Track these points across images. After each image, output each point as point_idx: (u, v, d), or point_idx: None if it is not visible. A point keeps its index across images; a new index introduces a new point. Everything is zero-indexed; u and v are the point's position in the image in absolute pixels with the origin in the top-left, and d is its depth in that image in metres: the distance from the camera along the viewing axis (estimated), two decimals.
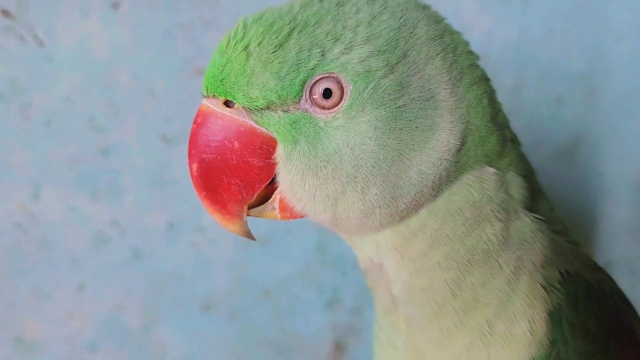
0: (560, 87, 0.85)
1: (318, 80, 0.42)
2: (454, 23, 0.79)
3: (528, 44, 0.83)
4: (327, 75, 0.41)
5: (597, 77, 0.85)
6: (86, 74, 0.73)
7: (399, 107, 0.42)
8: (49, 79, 0.72)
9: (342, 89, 0.42)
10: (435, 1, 0.77)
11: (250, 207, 0.46)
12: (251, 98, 0.42)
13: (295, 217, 0.45)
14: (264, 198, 0.45)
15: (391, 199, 0.43)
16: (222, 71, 0.42)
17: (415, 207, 0.44)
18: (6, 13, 0.70)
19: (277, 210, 0.45)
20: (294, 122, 0.42)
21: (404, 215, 0.44)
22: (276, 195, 0.45)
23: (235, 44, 0.42)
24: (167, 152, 0.77)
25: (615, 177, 0.88)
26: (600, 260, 0.91)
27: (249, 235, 0.46)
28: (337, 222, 0.45)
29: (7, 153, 0.73)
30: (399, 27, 0.43)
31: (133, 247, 0.79)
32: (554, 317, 0.45)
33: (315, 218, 0.45)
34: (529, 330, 0.45)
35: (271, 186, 0.45)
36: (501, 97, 0.84)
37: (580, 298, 0.46)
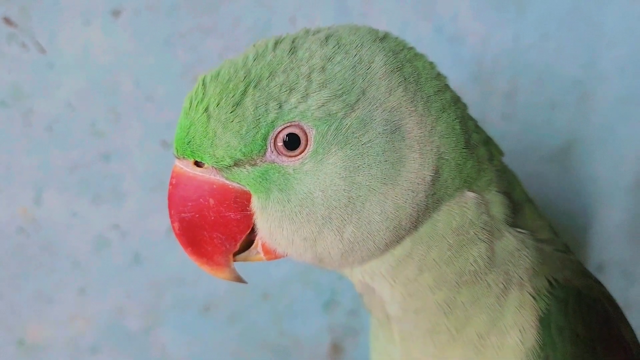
0: (554, 93, 0.86)
1: (281, 130, 0.42)
2: (449, 30, 0.82)
3: (522, 50, 0.84)
4: (288, 124, 0.42)
5: (590, 83, 0.86)
6: (87, 80, 0.74)
7: (365, 143, 0.42)
8: (50, 85, 0.73)
9: (306, 134, 0.42)
10: (431, 9, 0.80)
11: (236, 253, 0.47)
12: (217, 158, 0.42)
13: (280, 257, 0.47)
14: (248, 243, 0.47)
15: (368, 235, 0.43)
16: (187, 134, 0.43)
17: (396, 238, 0.45)
18: (8, 21, 0.71)
19: (262, 254, 0.46)
20: (263, 174, 0.43)
21: (386, 248, 0.45)
22: (258, 241, 0.46)
23: (196, 105, 0.43)
24: (167, 157, 0.76)
25: (608, 181, 0.90)
26: (594, 262, 0.93)
27: (239, 279, 0.48)
28: (320, 261, 0.46)
29: (9, 158, 0.74)
30: (354, 66, 0.43)
31: (134, 250, 0.80)
32: (544, 323, 0.46)
33: (298, 258, 0.46)
34: (520, 340, 0.46)
35: (253, 232, 0.46)
36: (496, 102, 0.86)
37: (570, 303, 0.47)
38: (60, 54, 0.73)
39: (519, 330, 0.46)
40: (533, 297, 0.46)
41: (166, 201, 0.78)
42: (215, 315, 0.84)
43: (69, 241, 0.78)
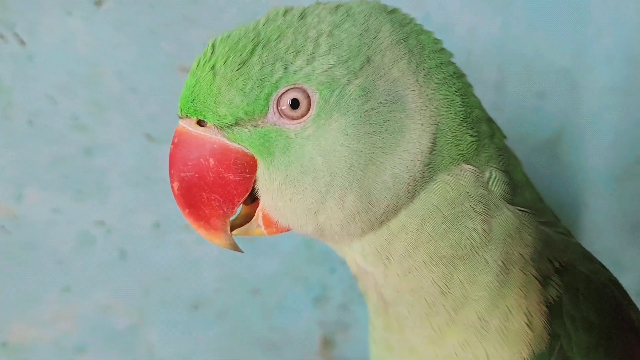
0: (542, 82, 0.86)
1: (284, 92, 0.42)
2: (438, 20, 0.81)
3: (510, 40, 0.84)
4: (292, 86, 0.42)
5: (578, 72, 0.86)
6: (69, 72, 0.72)
7: (366, 111, 0.42)
8: (30, 78, 0.71)
9: (308, 98, 0.42)
10: None
11: (236, 226, 0.47)
12: (219, 116, 0.43)
13: (281, 232, 0.46)
14: (248, 216, 0.46)
15: (369, 204, 0.44)
16: (192, 92, 0.43)
17: (393, 210, 0.45)
18: None
19: (263, 227, 0.46)
20: (264, 136, 0.43)
21: (383, 219, 0.45)
22: (259, 213, 0.45)
23: (204, 64, 0.43)
24: (152, 151, 0.76)
25: (597, 170, 0.90)
26: None
27: (235, 247, 0.47)
28: (321, 232, 0.45)
29: None
30: (360, 34, 0.43)
31: (119, 247, 0.78)
32: (554, 311, 0.45)
33: (299, 230, 0.46)
34: (526, 324, 0.45)
35: (254, 204, 0.46)
36: (484, 92, 0.85)
37: (580, 290, 0.46)
38: (40, 45, 0.71)
39: (524, 314, 0.45)
40: (538, 281, 0.45)
41: (152, 196, 0.77)
42: (204, 313, 0.83)
43: (52, 239, 0.76)
